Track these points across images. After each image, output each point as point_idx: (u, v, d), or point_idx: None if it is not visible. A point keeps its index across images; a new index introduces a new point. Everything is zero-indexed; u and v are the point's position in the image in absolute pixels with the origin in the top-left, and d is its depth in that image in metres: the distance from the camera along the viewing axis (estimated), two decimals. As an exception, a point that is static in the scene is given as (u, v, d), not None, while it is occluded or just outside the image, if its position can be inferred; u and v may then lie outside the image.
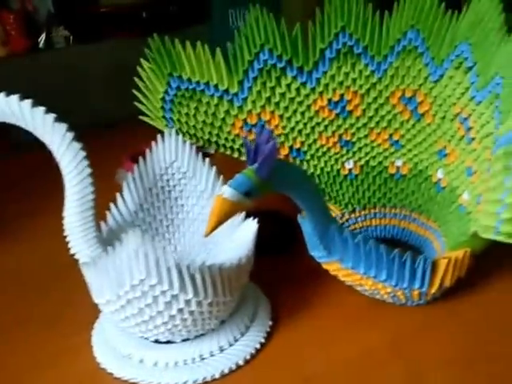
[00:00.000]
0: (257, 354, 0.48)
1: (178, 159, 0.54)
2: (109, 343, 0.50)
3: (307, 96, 0.56)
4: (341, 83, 0.55)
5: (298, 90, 0.56)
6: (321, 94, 0.56)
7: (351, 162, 0.58)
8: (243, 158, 0.58)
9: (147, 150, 0.54)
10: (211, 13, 0.95)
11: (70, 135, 0.45)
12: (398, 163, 0.57)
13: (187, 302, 0.43)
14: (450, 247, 0.50)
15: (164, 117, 0.57)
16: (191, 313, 0.45)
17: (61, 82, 1.01)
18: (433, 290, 0.47)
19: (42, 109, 0.43)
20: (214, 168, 0.53)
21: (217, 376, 0.46)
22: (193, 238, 0.55)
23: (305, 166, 0.58)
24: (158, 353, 0.48)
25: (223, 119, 0.57)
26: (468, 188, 0.50)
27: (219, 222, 0.38)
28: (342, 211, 0.59)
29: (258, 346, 0.48)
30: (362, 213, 0.59)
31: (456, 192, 0.52)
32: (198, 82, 0.56)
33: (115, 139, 0.94)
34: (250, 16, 0.54)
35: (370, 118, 0.56)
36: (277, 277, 0.56)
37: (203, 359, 0.47)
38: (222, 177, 0.53)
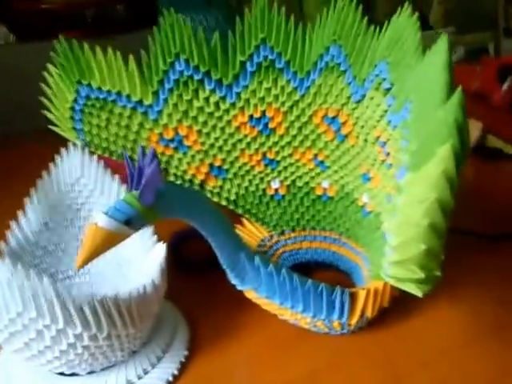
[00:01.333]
0: (168, 387, 0.44)
1: (84, 175, 0.50)
2: (11, 372, 0.46)
3: (227, 111, 0.52)
4: (262, 99, 0.51)
5: (216, 104, 0.52)
6: (241, 109, 0.52)
7: (277, 181, 0.55)
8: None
9: (50, 165, 0.50)
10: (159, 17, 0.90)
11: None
12: (325, 185, 0.54)
13: (78, 337, 0.39)
14: (373, 276, 0.47)
15: (74, 128, 0.53)
16: (86, 347, 0.41)
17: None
18: (353, 321, 0.44)
19: None
20: (124, 186, 0.49)
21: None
22: (105, 259, 0.51)
23: (228, 185, 0.55)
24: (60, 386, 0.44)
25: (137, 132, 0.53)
26: (389, 216, 0.46)
27: (92, 254, 0.34)
28: (271, 233, 0.56)
29: (170, 378, 0.45)
30: (292, 235, 0.56)
31: (380, 218, 0.49)
32: (108, 91, 0.52)
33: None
34: (164, 22, 0.51)
35: (294, 137, 0.53)
36: (202, 300, 0.53)
37: None
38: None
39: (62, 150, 0.49)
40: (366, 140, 0.48)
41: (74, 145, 0.50)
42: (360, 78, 0.47)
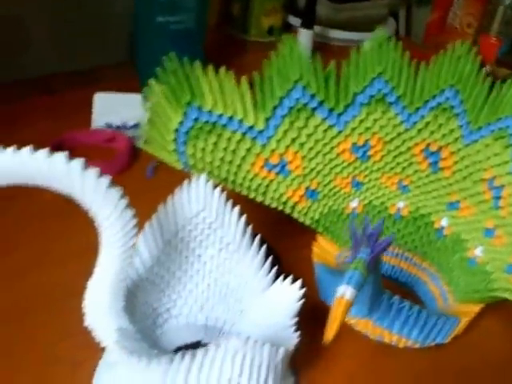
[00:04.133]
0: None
1: (205, 209, 0.48)
2: None
3: (333, 138, 0.53)
4: (368, 129, 0.53)
5: (325, 132, 0.52)
6: (346, 137, 0.53)
7: (356, 200, 0.57)
8: (259, 199, 0.54)
9: (169, 198, 0.47)
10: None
11: (123, 203, 0.37)
12: (400, 205, 0.58)
13: None
14: (459, 299, 0.52)
15: (175, 150, 0.50)
16: None
17: None
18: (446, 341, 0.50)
19: (94, 171, 0.35)
20: (243, 218, 0.48)
21: None
22: (208, 289, 0.50)
23: (316, 206, 0.56)
24: None
25: (243, 158, 0.51)
26: (484, 246, 0.52)
27: (340, 326, 0.37)
28: (341, 249, 0.58)
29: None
30: None
31: (463, 244, 0.54)
32: (220, 116, 0.49)
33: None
34: (283, 47, 0.49)
35: (386, 164, 0.55)
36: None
37: None
38: (250, 228, 0.48)
39: (185, 182, 0.47)
40: (465, 177, 0.53)
41: (197, 176, 0.47)
42: (476, 123, 0.51)
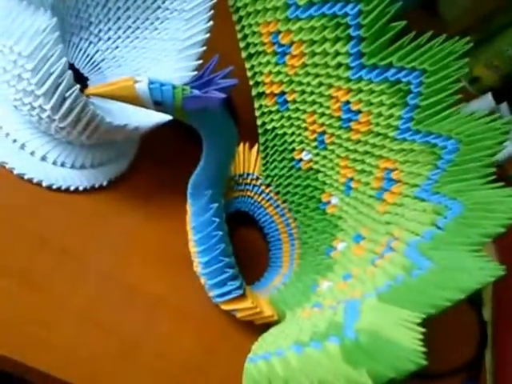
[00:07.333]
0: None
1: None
2: None
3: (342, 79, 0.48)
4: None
5: (339, 65, 0.47)
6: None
7: (310, 155, 0.53)
8: (243, 55, 0.52)
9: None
10: None
11: None
12: (306, 156, 0.53)
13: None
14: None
15: None
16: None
17: None
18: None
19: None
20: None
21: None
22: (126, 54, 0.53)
23: (277, 116, 0.53)
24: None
25: (266, 13, 0.49)
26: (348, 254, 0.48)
27: (106, 96, 0.36)
28: (260, 175, 0.57)
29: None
30: (266, 190, 0.58)
31: (337, 232, 0.51)
32: None
33: None
34: None
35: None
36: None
37: None
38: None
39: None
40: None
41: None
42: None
